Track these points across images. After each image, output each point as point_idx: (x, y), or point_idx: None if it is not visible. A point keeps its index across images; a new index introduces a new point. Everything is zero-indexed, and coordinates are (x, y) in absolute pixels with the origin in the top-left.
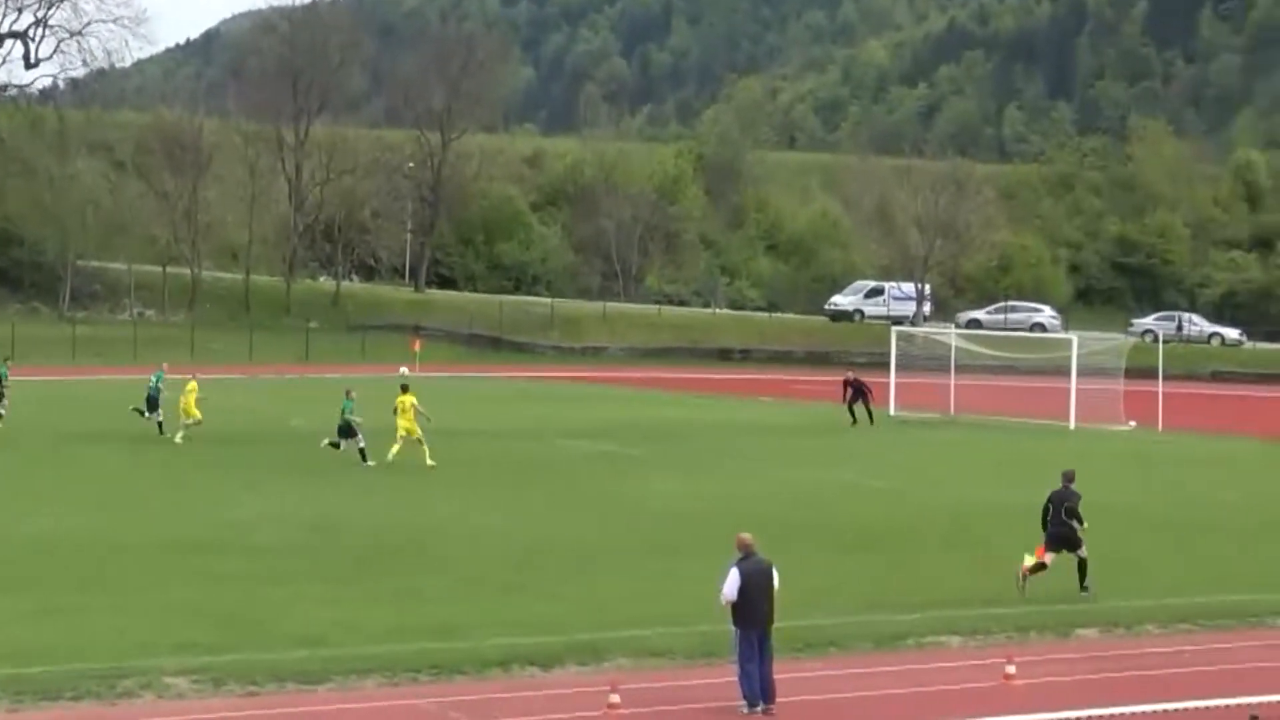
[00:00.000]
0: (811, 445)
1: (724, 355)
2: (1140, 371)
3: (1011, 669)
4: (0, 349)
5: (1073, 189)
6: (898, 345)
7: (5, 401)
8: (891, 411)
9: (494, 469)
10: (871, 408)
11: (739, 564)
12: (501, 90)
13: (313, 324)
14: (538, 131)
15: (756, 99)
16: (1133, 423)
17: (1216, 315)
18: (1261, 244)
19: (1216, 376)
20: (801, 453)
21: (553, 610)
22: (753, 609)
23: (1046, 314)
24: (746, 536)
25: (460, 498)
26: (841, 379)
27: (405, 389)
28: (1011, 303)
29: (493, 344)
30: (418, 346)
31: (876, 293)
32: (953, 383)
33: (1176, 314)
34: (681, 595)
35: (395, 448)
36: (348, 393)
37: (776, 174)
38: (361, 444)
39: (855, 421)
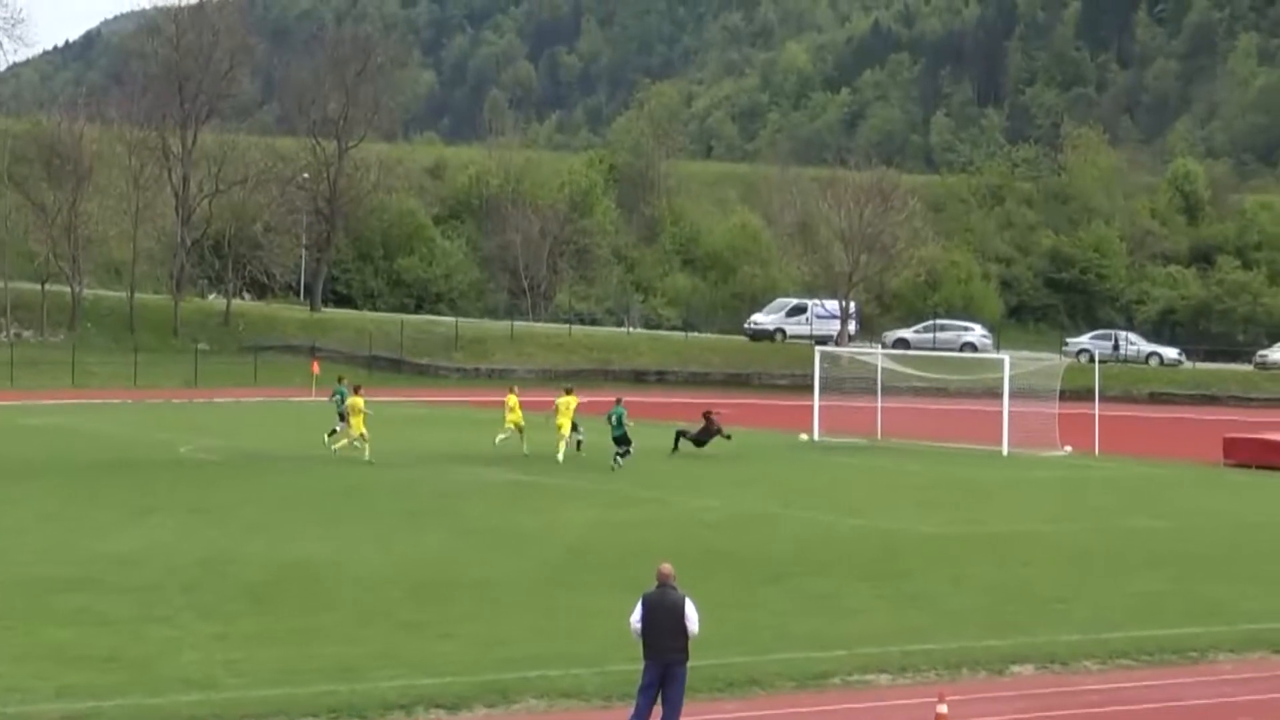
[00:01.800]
0: (730, 472)
1: (639, 377)
2: (1076, 393)
3: (943, 708)
4: None
5: (1004, 201)
6: (821, 366)
7: None
8: (815, 436)
9: (394, 499)
10: (695, 436)
11: (646, 593)
12: (401, 96)
13: (202, 345)
14: (440, 140)
15: (671, 105)
16: (1068, 448)
17: (1154, 334)
18: (1201, 258)
19: (1155, 398)
20: (720, 480)
21: (456, 649)
22: (653, 641)
23: (977, 333)
24: (666, 567)
25: (358, 529)
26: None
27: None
28: (940, 321)
29: (393, 366)
30: (316, 369)
31: (799, 311)
32: (879, 405)
33: (1113, 332)
34: (592, 633)
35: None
36: (340, 379)
37: (692, 185)
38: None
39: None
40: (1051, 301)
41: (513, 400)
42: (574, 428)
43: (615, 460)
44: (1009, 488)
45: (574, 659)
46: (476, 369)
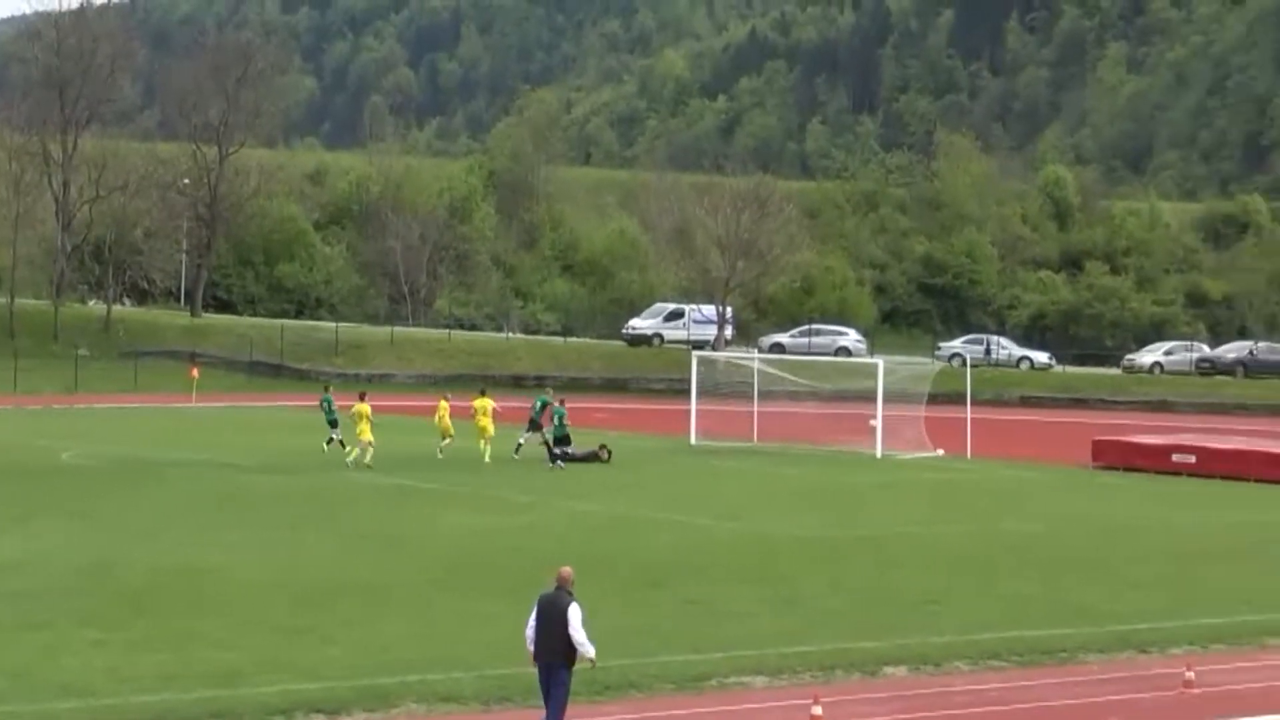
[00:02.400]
0: (609, 477)
1: (518, 382)
2: (948, 397)
3: (818, 710)
4: None
5: (878, 207)
6: (698, 370)
7: None
8: (692, 440)
9: (276, 504)
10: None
11: (542, 594)
12: (281, 102)
13: (82, 351)
14: (320, 146)
15: (550, 112)
16: (940, 450)
17: (1025, 338)
18: (1071, 263)
19: (1025, 401)
20: (599, 485)
21: (337, 654)
22: (538, 641)
23: (851, 337)
24: (566, 571)
25: (240, 536)
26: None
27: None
28: (815, 326)
29: (273, 371)
30: (195, 374)
31: (676, 316)
32: (755, 409)
33: (985, 337)
34: (472, 637)
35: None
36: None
37: (572, 191)
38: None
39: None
40: (924, 306)
41: (445, 408)
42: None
43: (554, 461)
44: (882, 491)
45: (454, 663)
46: (357, 374)
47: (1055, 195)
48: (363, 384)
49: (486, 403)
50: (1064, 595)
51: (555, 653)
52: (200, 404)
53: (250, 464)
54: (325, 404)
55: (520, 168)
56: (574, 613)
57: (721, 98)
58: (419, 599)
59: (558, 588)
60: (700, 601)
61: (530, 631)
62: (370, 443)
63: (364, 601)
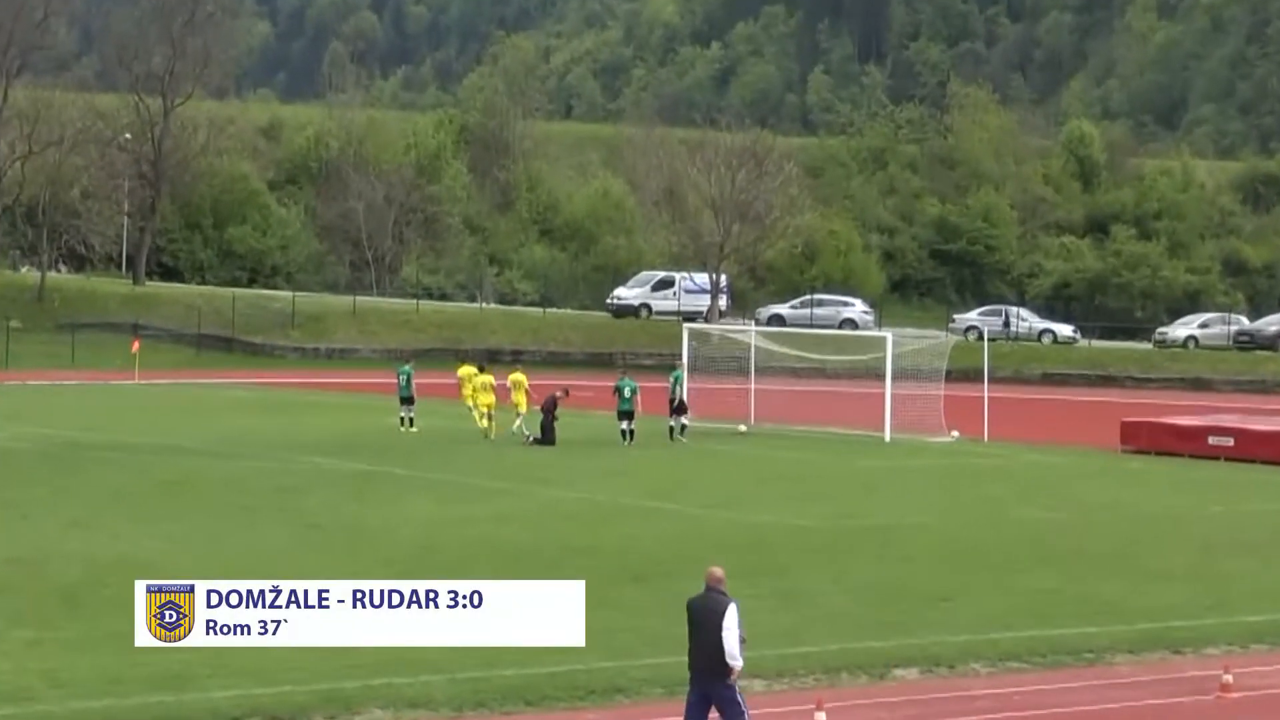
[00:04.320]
0: (589, 461)
1: (493, 357)
2: (964, 374)
3: (822, 716)
4: None
5: (886, 165)
6: (690, 345)
7: None
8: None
9: (227, 492)
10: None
11: (691, 599)
12: (232, 49)
13: (14, 323)
14: (275, 98)
15: (527, 61)
16: (955, 433)
17: (1048, 309)
18: (1097, 228)
19: (1048, 379)
20: (578, 470)
21: (294, 655)
22: (692, 656)
23: (858, 309)
24: (717, 571)
25: (187, 526)
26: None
27: (482, 369)
28: (818, 296)
29: (224, 345)
30: (138, 348)
31: (666, 285)
32: (752, 387)
33: (1004, 308)
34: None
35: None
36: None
37: (551, 148)
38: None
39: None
40: (937, 275)
41: (486, 380)
42: (679, 409)
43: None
44: (891, 477)
45: (422, 665)
46: (316, 348)
47: (1080, 153)
48: (322, 360)
49: (521, 377)
50: (1090, 590)
51: (716, 669)
52: (143, 381)
53: (198, 447)
54: (404, 377)
55: (494, 122)
56: (732, 611)
57: (715, 45)
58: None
59: (708, 589)
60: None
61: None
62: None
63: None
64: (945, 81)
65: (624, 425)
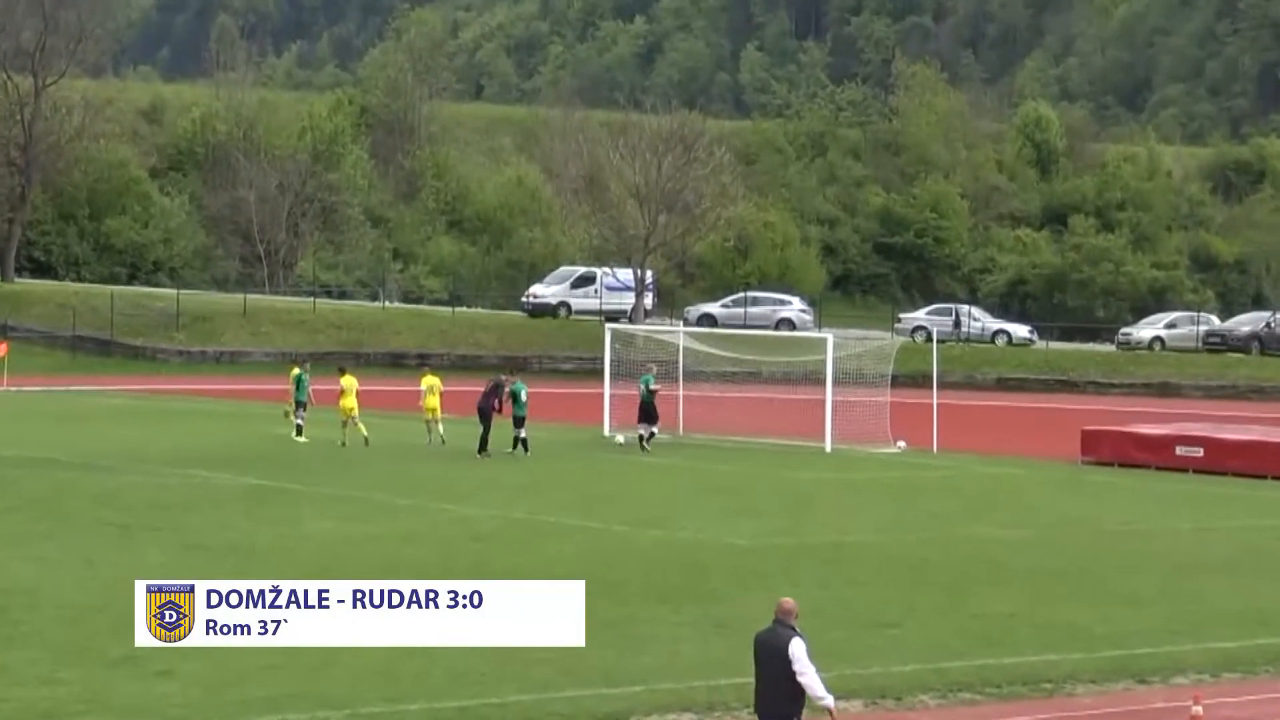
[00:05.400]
0: (505, 474)
1: (397, 361)
2: (911, 378)
3: None
4: None
5: (826, 151)
6: (613, 347)
7: None
8: (605, 430)
9: (102, 509)
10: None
11: (758, 633)
12: (110, 23)
13: None
14: (158, 76)
15: (434, 36)
16: (902, 443)
17: (1002, 308)
18: (1055, 219)
19: (1003, 384)
20: (492, 484)
21: (177, 690)
22: (759, 695)
23: (796, 307)
24: (789, 603)
25: (58, 548)
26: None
27: (343, 371)
28: (753, 294)
29: (101, 348)
30: (4, 351)
31: (586, 281)
32: (681, 393)
33: (954, 307)
34: (338, 668)
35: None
36: (303, 362)
37: (460, 132)
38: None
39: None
40: (882, 270)
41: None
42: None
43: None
44: (833, 491)
45: (318, 699)
46: (203, 351)
47: (1036, 138)
48: (210, 364)
49: (435, 380)
50: (1048, 614)
51: (783, 709)
52: (11, 387)
53: (71, 460)
54: (298, 382)
55: (398, 103)
56: (796, 648)
57: (639, 19)
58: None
59: (776, 622)
60: (614, 624)
61: None
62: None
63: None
64: (890, 60)
65: (518, 433)
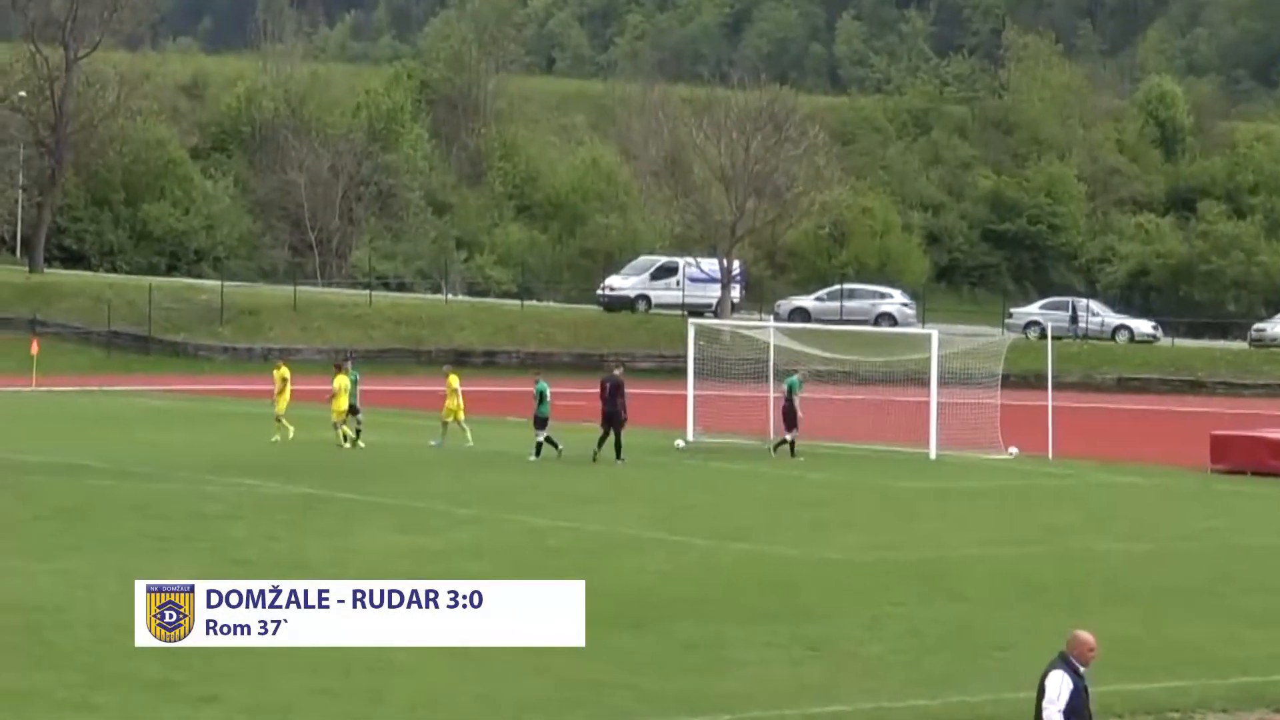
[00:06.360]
0: (579, 484)
1: (461, 359)
2: (1024, 379)
3: None
4: None
5: (930, 130)
6: (697, 344)
7: None
8: (689, 436)
9: (139, 520)
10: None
11: (1071, 673)
12: None
13: None
14: (199, 49)
15: (501, 4)
16: (1014, 449)
17: (1123, 301)
18: (1181, 204)
19: (1124, 385)
20: (565, 494)
21: (220, 717)
22: None
23: (897, 301)
24: (1085, 637)
25: (91, 562)
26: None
27: (339, 367)
28: (850, 286)
29: (139, 344)
30: (36, 349)
31: (667, 272)
32: (770, 395)
33: (1070, 300)
34: (395, 694)
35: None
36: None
37: (529, 109)
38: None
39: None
40: (991, 260)
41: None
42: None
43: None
44: (937, 501)
45: None
46: (249, 348)
47: (1160, 115)
48: (256, 362)
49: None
50: (1173, 636)
51: None
52: (42, 387)
53: (106, 466)
54: (353, 380)
55: (461, 78)
56: (1050, 681)
57: None
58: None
59: (1060, 655)
60: (699, 646)
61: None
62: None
63: (252, 648)
64: (1000, 30)
65: (539, 435)
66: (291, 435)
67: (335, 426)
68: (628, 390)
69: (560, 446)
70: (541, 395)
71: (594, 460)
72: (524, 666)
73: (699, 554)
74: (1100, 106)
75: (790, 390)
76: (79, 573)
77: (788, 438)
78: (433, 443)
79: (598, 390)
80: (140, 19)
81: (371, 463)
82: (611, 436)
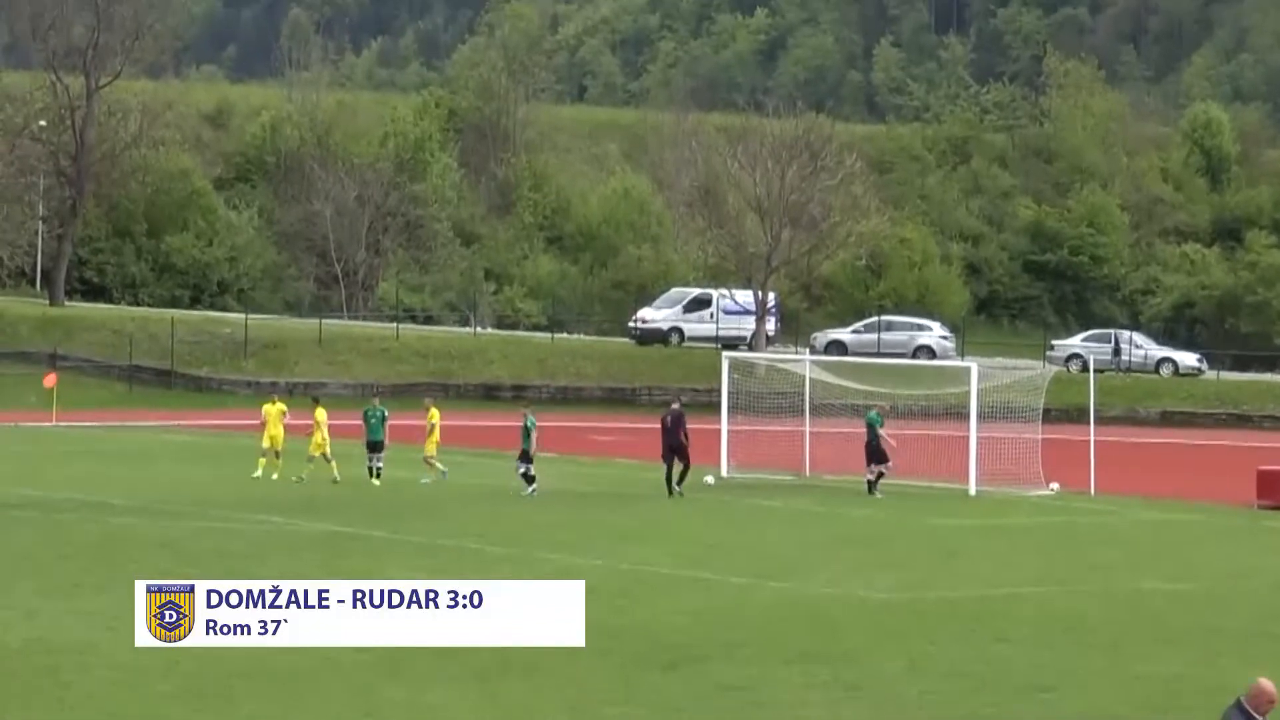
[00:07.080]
0: (612, 521)
1: (490, 393)
2: (1065, 413)
3: None
4: None
5: (970, 159)
6: (731, 378)
7: None
8: (723, 472)
9: (163, 558)
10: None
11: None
12: (171, 18)
13: None
14: (223, 76)
15: (530, 31)
16: (1055, 485)
17: (1167, 334)
18: (1227, 234)
19: (1168, 419)
20: (599, 531)
21: None
22: None
23: (936, 333)
24: (1259, 685)
25: (113, 601)
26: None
27: (316, 400)
28: (887, 318)
29: (162, 379)
30: (52, 383)
31: (701, 304)
32: (807, 430)
33: (1113, 333)
34: None
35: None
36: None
37: (560, 138)
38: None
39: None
40: (1032, 292)
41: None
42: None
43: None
44: (978, 539)
45: None
46: (274, 383)
47: (1206, 143)
48: (282, 395)
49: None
50: (1219, 678)
51: None
52: (62, 423)
53: (128, 503)
54: (377, 419)
55: (490, 106)
56: None
57: (760, 12)
58: (354, 685)
59: (1238, 704)
60: (735, 687)
61: None
62: (326, 455)
63: (281, 690)
64: (1041, 56)
65: (523, 469)
66: (336, 475)
67: (310, 460)
68: (656, 426)
69: (534, 487)
70: (528, 431)
71: (673, 495)
72: (556, 704)
73: (734, 593)
74: (1144, 134)
75: (871, 426)
76: (102, 613)
77: (869, 476)
78: (424, 480)
79: (658, 425)
80: (163, 47)
81: (401, 500)
82: (678, 465)
